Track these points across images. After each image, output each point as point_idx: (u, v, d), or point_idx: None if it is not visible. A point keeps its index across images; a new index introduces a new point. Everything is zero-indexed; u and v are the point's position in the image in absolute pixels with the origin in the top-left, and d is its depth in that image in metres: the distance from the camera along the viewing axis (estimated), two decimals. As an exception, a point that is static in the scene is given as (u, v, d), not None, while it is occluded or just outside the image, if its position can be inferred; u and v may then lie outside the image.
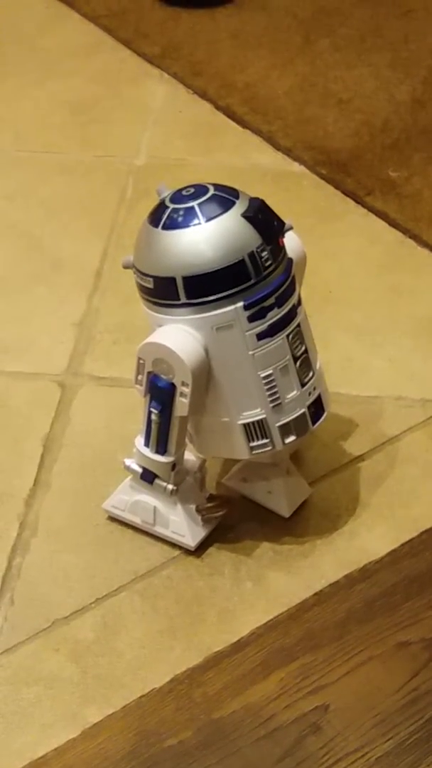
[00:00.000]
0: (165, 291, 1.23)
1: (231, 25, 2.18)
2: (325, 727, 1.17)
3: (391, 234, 1.76)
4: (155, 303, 1.25)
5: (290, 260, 1.27)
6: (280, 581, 1.31)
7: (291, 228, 1.28)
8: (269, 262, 1.22)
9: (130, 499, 1.35)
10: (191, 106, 2.02)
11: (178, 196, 1.24)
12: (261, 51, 2.12)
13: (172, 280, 1.21)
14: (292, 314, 1.26)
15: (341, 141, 1.92)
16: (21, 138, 1.97)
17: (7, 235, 1.78)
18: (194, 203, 1.22)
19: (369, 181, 1.84)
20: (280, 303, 1.24)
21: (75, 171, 1.89)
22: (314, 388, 1.29)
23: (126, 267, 1.27)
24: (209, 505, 1.35)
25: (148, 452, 1.31)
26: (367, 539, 1.35)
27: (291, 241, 1.28)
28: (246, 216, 1.22)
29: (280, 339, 1.25)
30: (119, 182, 1.86)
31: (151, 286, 1.24)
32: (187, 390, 1.24)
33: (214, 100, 2.02)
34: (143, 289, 1.25)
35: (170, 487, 1.31)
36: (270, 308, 1.23)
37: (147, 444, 1.30)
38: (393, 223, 1.77)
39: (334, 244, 1.74)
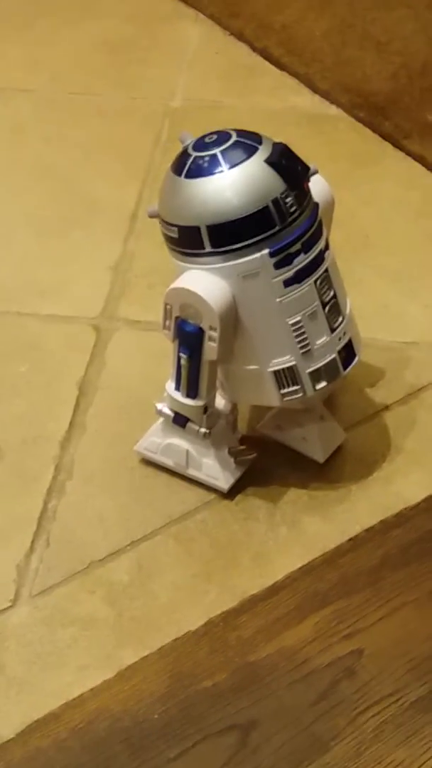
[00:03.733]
0: (190, 240, 1.22)
1: (268, -35, 2.16)
2: (359, 672, 1.18)
3: (429, 178, 1.74)
4: (181, 252, 1.24)
5: (316, 205, 1.25)
6: (315, 526, 1.31)
7: (316, 172, 1.25)
8: (294, 208, 1.21)
9: (162, 441, 1.35)
10: (227, 47, 2.00)
11: (200, 144, 1.22)
12: (298, -8, 2.10)
13: (197, 229, 1.20)
14: (319, 260, 1.24)
15: (379, 84, 1.90)
16: (57, 80, 1.95)
17: (44, 178, 1.77)
18: (217, 150, 1.21)
19: (407, 124, 1.82)
20: (306, 249, 1.23)
21: (111, 113, 1.88)
22: (344, 333, 1.28)
23: (151, 216, 1.26)
24: (241, 447, 1.35)
25: (179, 396, 1.30)
26: (402, 485, 1.35)
27: (317, 185, 1.27)
28: (269, 162, 1.20)
29: (308, 285, 1.24)
30: (155, 124, 1.85)
31: (176, 235, 1.23)
32: (215, 334, 1.23)
33: (251, 42, 2.00)
34: (169, 239, 1.24)
35: (203, 430, 1.31)
36: (296, 254, 1.22)
37: (178, 388, 1.30)
38: (431, 167, 1.75)
39: (371, 189, 1.73)
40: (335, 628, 1.22)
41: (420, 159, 1.76)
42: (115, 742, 1.14)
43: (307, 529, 1.31)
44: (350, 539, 1.30)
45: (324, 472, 1.36)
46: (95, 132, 1.85)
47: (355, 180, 1.73)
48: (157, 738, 1.14)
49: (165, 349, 1.30)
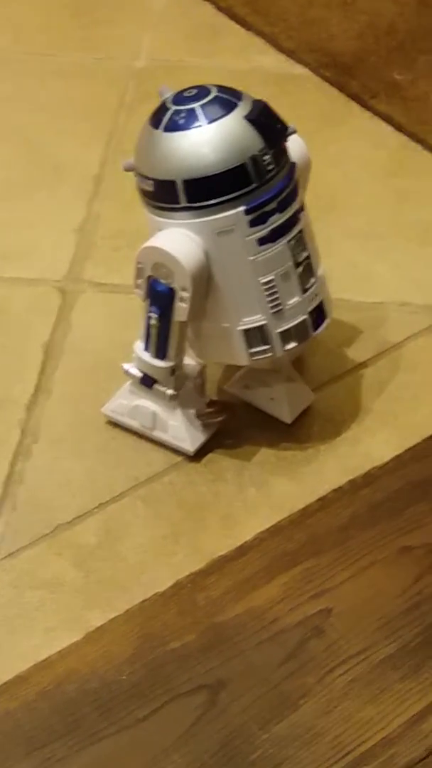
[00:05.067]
0: (165, 194, 1.21)
1: None
2: (328, 630, 1.18)
3: (396, 138, 1.73)
4: (156, 206, 1.23)
5: (293, 164, 1.25)
6: (283, 487, 1.31)
7: (294, 131, 1.26)
8: (271, 166, 1.21)
9: (129, 403, 1.34)
10: (192, 7, 1.98)
11: (180, 98, 1.22)
12: None
13: (173, 183, 1.20)
14: (294, 219, 1.24)
15: (345, 43, 1.89)
16: (20, 39, 1.93)
17: (7, 139, 1.75)
18: (196, 105, 1.20)
19: (374, 84, 1.81)
20: (282, 208, 1.22)
21: (75, 74, 1.86)
22: (316, 295, 1.28)
23: (127, 170, 1.25)
24: (209, 410, 1.34)
25: (147, 357, 1.30)
26: (370, 445, 1.35)
27: (294, 145, 1.27)
28: (248, 118, 1.20)
29: (282, 245, 1.23)
30: (119, 85, 1.83)
31: (151, 189, 1.22)
32: (186, 295, 1.23)
33: (216, 1, 1.98)
34: (144, 192, 1.24)
35: (170, 392, 1.31)
36: (272, 213, 1.22)
37: (147, 349, 1.29)
38: (398, 127, 1.74)
39: (339, 149, 1.72)
40: (304, 588, 1.21)
41: (387, 118, 1.75)
42: (84, 704, 1.14)
43: (276, 489, 1.31)
44: (318, 499, 1.30)
45: (292, 433, 1.36)
46: (59, 93, 1.83)
47: (322, 140, 1.71)
48: (126, 699, 1.14)
49: (131, 312, 1.30)
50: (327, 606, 1.20)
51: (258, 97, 1.24)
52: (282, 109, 1.25)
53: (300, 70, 1.85)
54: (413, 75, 1.82)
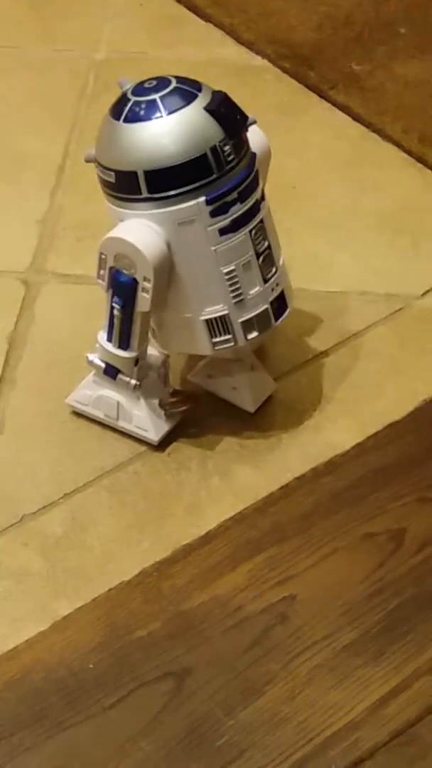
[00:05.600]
0: (126, 185, 1.22)
1: None
2: (292, 617, 1.19)
3: (355, 128, 1.74)
4: (117, 197, 1.24)
5: (253, 155, 1.26)
6: (246, 475, 1.32)
7: (254, 122, 1.27)
8: (232, 157, 1.21)
9: (93, 393, 1.35)
10: (152, -2, 1.99)
11: (140, 89, 1.23)
12: None
13: (134, 174, 1.20)
14: (255, 209, 1.25)
15: (304, 34, 1.90)
16: (-21, 32, 1.93)
17: (-33, 132, 1.75)
18: (156, 96, 1.21)
19: (332, 74, 1.82)
20: (242, 198, 1.23)
21: (35, 66, 1.86)
22: (277, 284, 1.29)
23: (88, 161, 1.26)
24: (173, 400, 1.35)
25: (110, 347, 1.30)
26: (332, 433, 1.36)
27: (254, 136, 1.27)
28: (208, 109, 1.20)
29: (243, 234, 1.24)
30: (80, 77, 1.83)
31: (112, 180, 1.23)
32: (148, 285, 1.23)
33: (175, -8, 1.99)
34: (105, 184, 1.25)
35: (133, 382, 1.31)
36: (233, 203, 1.23)
37: (110, 339, 1.30)
38: (357, 117, 1.75)
39: (298, 139, 1.73)
40: (268, 575, 1.23)
41: (345, 109, 1.77)
42: (51, 693, 1.14)
43: (239, 478, 1.32)
44: (281, 487, 1.31)
45: (255, 422, 1.37)
46: (20, 85, 1.82)
47: (282, 131, 1.72)
48: (93, 687, 1.15)
49: (95, 302, 1.30)
50: (291, 593, 1.21)
51: (218, 88, 1.24)
52: (241, 100, 1.26)
53: (259, 61, 1.86)
54: (371, 66, 1.83)
